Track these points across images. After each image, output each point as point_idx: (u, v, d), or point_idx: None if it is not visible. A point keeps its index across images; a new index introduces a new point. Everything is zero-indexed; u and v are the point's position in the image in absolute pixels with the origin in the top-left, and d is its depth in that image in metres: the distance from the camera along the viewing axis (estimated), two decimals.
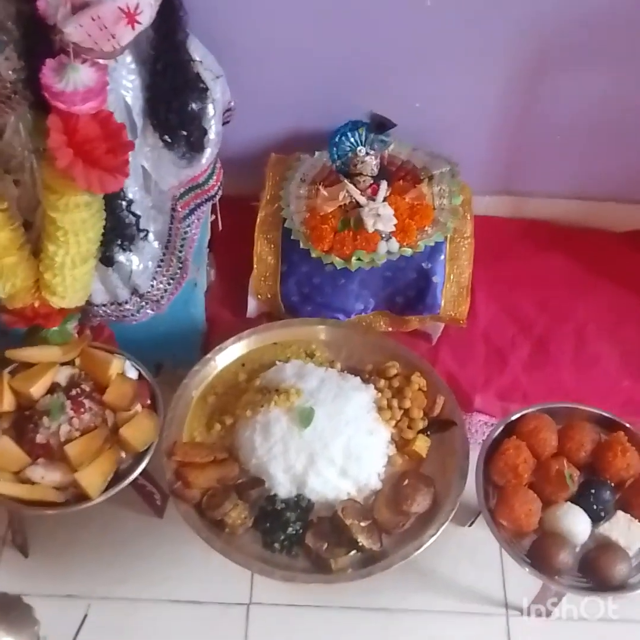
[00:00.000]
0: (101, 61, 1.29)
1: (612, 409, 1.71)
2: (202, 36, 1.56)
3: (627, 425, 1.51)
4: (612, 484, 1.43)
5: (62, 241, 1.43)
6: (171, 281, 1.71)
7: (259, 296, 1.75)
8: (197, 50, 1.52)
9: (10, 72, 1.31)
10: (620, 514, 1.41)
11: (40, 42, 1.27)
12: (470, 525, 1.67)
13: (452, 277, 1.70)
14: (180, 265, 1.69)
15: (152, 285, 1.68)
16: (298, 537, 1.37)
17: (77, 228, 1.42)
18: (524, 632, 1.56)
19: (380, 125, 1.65)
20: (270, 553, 1.37)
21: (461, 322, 1.74)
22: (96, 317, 1.70)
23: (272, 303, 1.75)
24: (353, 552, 1.36)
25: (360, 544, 1.35)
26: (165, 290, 1.71)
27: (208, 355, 1.61)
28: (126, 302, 1.68)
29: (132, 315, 1.70)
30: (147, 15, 1.25)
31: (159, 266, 1.69)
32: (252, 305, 1.79)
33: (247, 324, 1.76)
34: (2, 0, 1.19)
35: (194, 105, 1.54)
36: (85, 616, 1.24)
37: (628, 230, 2.05)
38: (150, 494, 1.62)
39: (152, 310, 1.71)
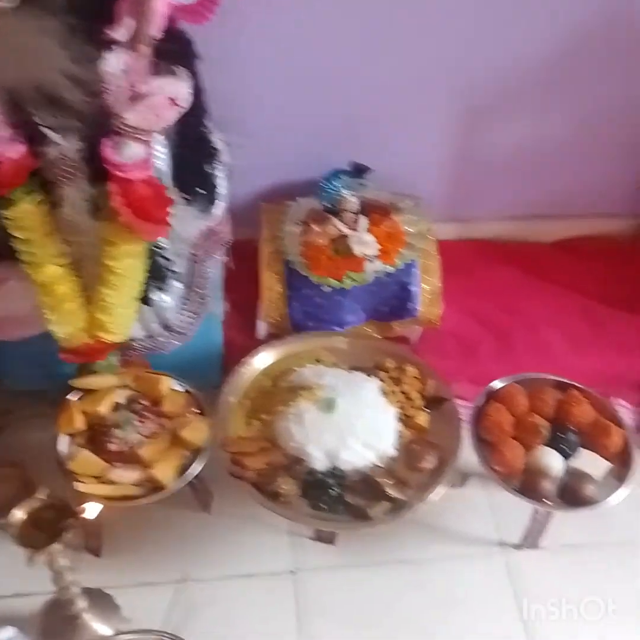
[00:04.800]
0: (147, 137, 1.65)
1: None
2: None
3: (579, 385, 1.91)
4: (574, 429, 1.83)
5: (116, 285, 1.75)
6: (194, 315, 2.04)
7: (269, 319, 2.10)
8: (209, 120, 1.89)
9: (75, 152, 1.65)
10: (583, 450, 1.79)
11: (101, 126, 1.61)
12: (462, 486, 2.03)
13: (425, 286, 2.10)
14: (202, 300, 2.03)
15: (179, 320, 2.01)
16: (340, 497, 1.70)
17: (129, 273, 1.75)
18: (520, 563, 1.91)
19: (360, 171, 2.06)
20: (319, 513, 1.69)
21: (436, 323, 2.13)
22: (132, 350, 2.01)
23: (280, 324, 2.10)
24: (385, 502, 1.69)
25: (390, 495, 1.69)
26: (190, 323, 2.04)
27: (237, 367, 1.94)
28: (159, 336, 2.00)
29: (163, 346, 2.02)
30: (187, 101, 1.62)
31: (184, 303, 2.02)
32: (262, 328, 2.13)
33: (257, 344, 2.10)
34: (79, 95, 1.52)
35: (207, 168, 1.91)
36: (184, 581, 1.52)
37: (556, 240, 2.52)
38: (199, 491, 1.92)
39: (179, 341, 2.03)
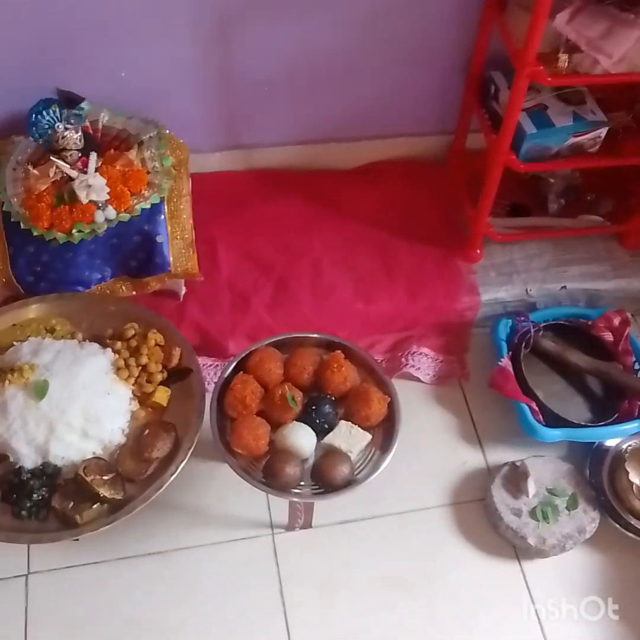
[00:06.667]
0: None
1: (349, 331, 1.88)
2: None
3: (345, 343, 1.66)
4: (334, 398, 1.59)
5: None
6: None
7: None
8: None
9: None
10: (342, 423, 1.55)
11: None
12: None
13: (176, 234, 1.79)
14: None
15: None
16: (45, 502, 1.45)
17: None
18: (287, 545, 1.71)
19: (69, 101, 1.70)
20: (20, 521, 1.44)
21: (195, 276, 1.84)
22: None
23: (9, 286, 1.77)
24: (97, 504, 1.44)
25: (102, 495, 1.44)
26: None
27: None
28: None
29: None
30: None
31: None
32: None
33: None
34: None
35: None
36: None
37: (356, 166, 2.22)
38: None
39: None
